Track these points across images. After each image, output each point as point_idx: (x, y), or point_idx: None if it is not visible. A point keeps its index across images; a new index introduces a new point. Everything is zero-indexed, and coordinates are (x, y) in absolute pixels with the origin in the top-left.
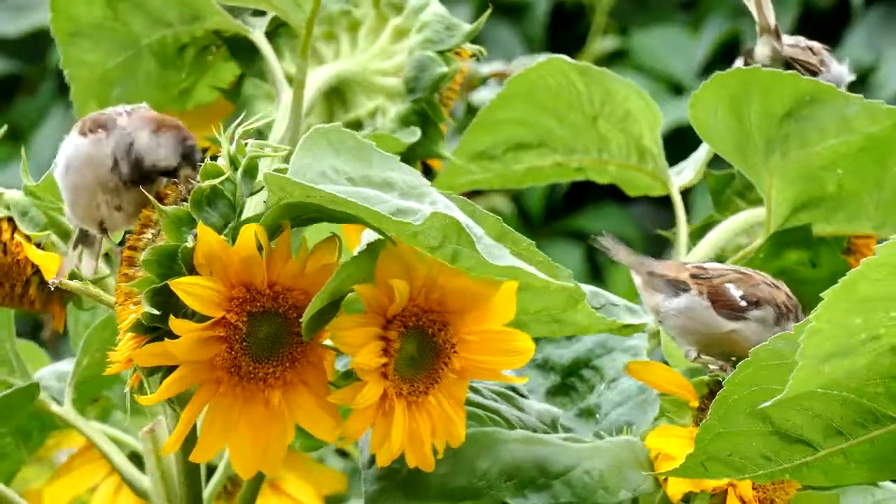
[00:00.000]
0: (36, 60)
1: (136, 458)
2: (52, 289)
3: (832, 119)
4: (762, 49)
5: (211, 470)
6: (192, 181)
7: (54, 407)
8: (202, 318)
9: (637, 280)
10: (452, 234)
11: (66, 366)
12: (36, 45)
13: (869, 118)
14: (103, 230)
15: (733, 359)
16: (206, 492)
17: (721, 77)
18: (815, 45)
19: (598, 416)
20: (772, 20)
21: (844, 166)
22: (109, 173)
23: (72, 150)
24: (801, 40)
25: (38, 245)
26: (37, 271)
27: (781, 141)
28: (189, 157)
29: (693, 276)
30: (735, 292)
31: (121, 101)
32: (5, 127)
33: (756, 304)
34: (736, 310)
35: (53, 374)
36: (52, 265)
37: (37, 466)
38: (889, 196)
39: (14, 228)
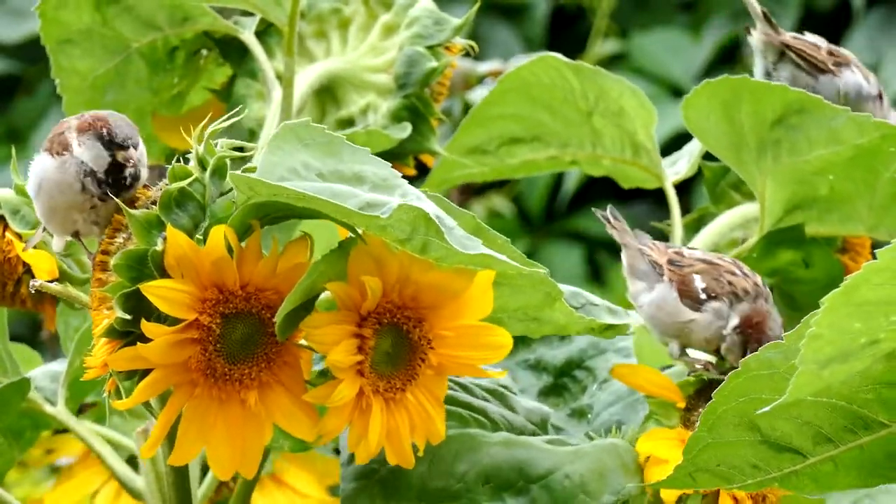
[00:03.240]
0: (35, 61)
1: (134, 462)
2: (35, 291)
3: (820, 130)
4: (756, 35)
5: (207, 469)
6: (160, 182)
7: (48, 407)
8: (175, 321)
9: (623, 262)
10: (421, 226)
11: (59, 366)
12: (36, 47)
13: (857, 130)
14: (77, 237)
15: (716, 359)
16: (200, 491)
17: (711, 84)
18: (841, 50)
19: (589, 416)
20: (758, 7)
21: (835, 173)
22: (81, 194)
23: (42, 173)
24: (820, 40)
25: None
26: (28, 270)
27: (773, 145)
28: (113, 143)
29: (670, 262)
30: (698, 284)
31: (113, 107)
32: None
33: (714, 297)
34: (696, 301)
35: (46, 375)
36: (44, 263)
37: (32, 472)
38: (881, 200)
39: (5, 227)
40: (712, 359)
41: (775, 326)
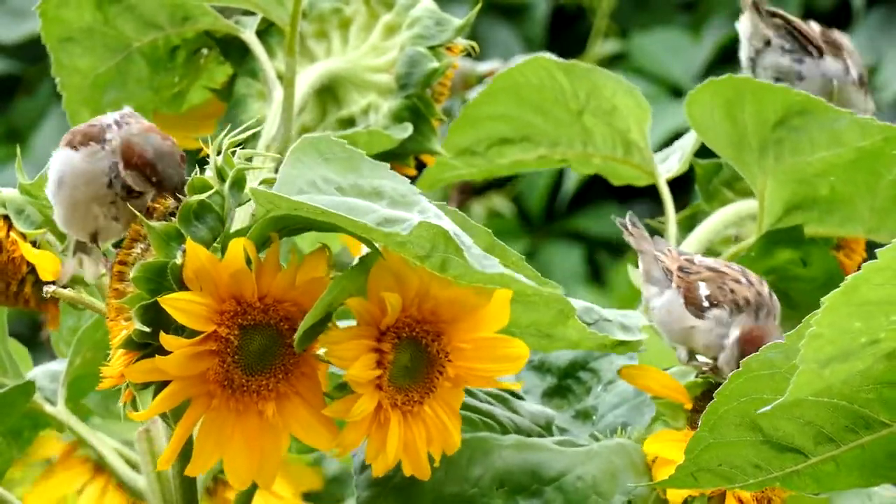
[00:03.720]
0: (35, 61)
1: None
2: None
3: (822, 132)
4: (744, 24)
5: None
6: (181, 196)
7: (48, 407)
8: (193, 333)
9: (640, 268)
10: (441, 244)
11: (58, 366)
12: (36, 47)
13: (859, 133)
14: (95, 240)
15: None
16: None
17: (714, 83)
18: (837, 35)
19: (594, 417)
20: None
21: (837, 175)
22: (106, 188)
23: (65, 166)
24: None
25: (34, 243)
26: (32, 270)
27: (775, 145)
28: (159, 185)
29: (679, 269)
30: (702, 291)
31: (113, 106)
32: None
33: (716, 305)
34: (699, 308)
35: (46, 375)
36: (48, 264)
37: (33, 471)
38: (883, 202)
39: (10, 226)
40: None
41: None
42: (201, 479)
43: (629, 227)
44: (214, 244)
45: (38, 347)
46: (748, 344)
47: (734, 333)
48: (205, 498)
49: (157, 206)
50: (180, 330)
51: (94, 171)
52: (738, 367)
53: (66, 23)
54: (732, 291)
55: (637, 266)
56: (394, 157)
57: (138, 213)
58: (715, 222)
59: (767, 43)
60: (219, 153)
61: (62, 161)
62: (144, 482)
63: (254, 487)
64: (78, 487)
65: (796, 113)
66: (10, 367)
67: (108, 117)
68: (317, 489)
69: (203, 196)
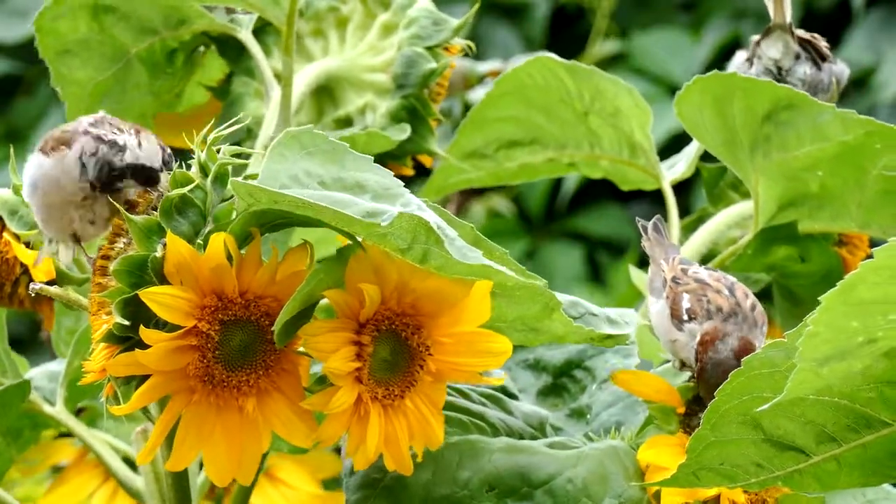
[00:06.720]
0: (35, 61)
1: (129, 464)
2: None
3: (807, 126)
4: (774, 44)
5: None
6: (161, 189)
7: (46, 408)
8: (174, 328)
9: (648, 275)
10: (421, 235)
11: (57, 366)
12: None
13: (842, 127)
14: (76, 241)
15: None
16: (195, 490)
17: (702, 80)
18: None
19: (588, 416)
20: (788, 16)
21: (824, 169)
22: (78, 189)
23: (36, 170)
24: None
25: (28, 244)
26: (26, 271)
27: (764, 141)
28: (119, 147)
29: (672, 279)
30: (684, 304)
31: (114, 114)
32: None
33: (693, 318)
34: (679, 320)
35: (45, 375)
36: (41, 265)
37: (28, 473)
38: (870, 197)
39: (3, 227)
40: None
41: (724, 348)
42: (199, 480)
43: (649, 231)
44: (198, 241)
45: (38, 348)
46: (701, 346)
47: (694, 342)
48: (211, 497)
49: (140, 200)
50: (161, 324)
51: (64, 176)
52: (702, 373)
53: (62, 35)
54: (709, 302)
55: (637, 265)
56: (391, 157)
57: (119, 207)
58: (717, 223)
59: (797, 57)
60: (202, 149)
61: (34, 166)
62: (142, 482)
63: (250, 487)
64: (89, 493)
65: (783, 107)
66: (9, 367)
67: (83, 122)
68: (338, 476)
69: (184, 190)
